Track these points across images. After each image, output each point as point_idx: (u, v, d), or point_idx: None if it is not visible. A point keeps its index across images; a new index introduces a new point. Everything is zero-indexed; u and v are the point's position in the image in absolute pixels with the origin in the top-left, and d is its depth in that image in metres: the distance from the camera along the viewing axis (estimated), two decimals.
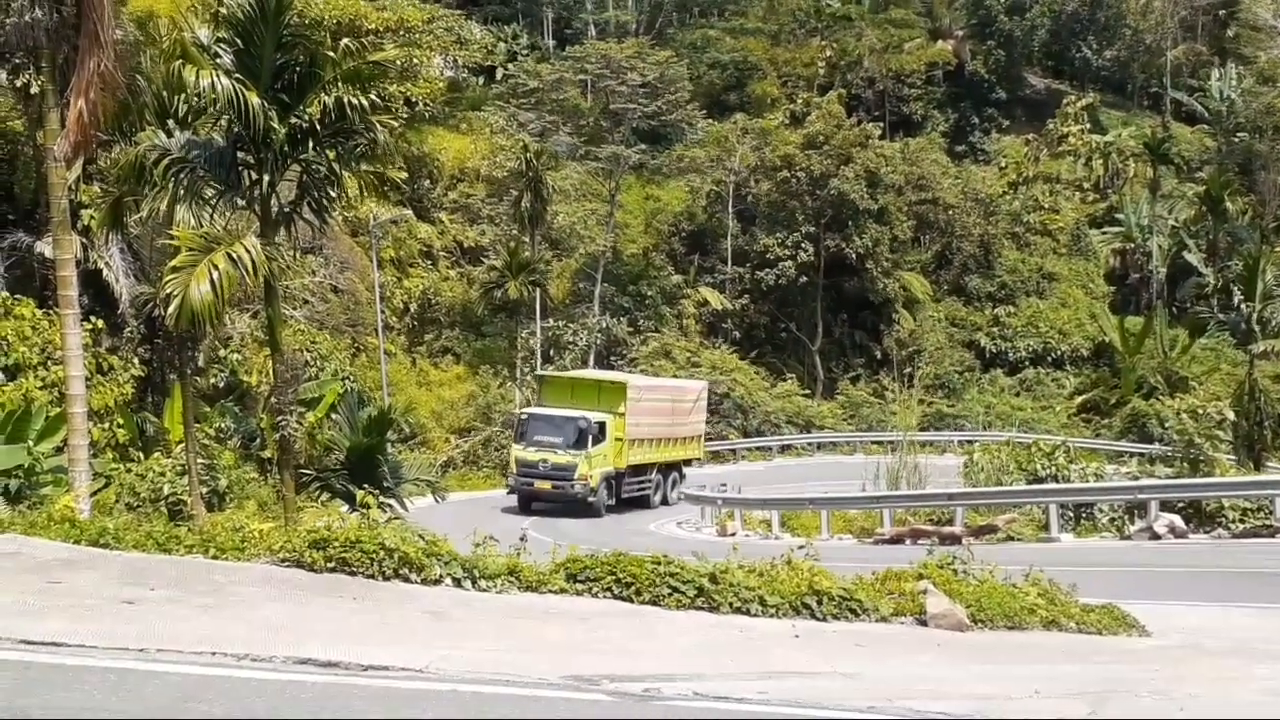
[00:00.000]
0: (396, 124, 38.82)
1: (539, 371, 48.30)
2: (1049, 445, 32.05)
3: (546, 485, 38.19)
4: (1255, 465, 38.42)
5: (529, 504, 38.00)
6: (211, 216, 20.48)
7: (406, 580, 10.58)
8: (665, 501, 42.19)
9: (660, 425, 42.33)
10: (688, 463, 45.06)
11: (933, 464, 36.65)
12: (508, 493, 39.69)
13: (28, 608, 8.43)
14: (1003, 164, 73.98)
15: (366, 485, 20.64)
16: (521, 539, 11.98)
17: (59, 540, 11.11)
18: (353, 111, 18.90)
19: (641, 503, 41.18)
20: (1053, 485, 29.02)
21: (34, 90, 21.14)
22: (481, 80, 70.53)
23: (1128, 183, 71.55)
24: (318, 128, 19.31)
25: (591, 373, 47.26)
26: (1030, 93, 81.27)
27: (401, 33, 54.87)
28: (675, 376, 52.93)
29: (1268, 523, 25.54)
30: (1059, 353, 63.39)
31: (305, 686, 6.95)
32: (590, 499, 38.33)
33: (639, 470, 41.22)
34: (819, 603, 11.37)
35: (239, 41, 18.90)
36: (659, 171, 66.05)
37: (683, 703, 7.40)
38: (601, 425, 38.85)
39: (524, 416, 40.74)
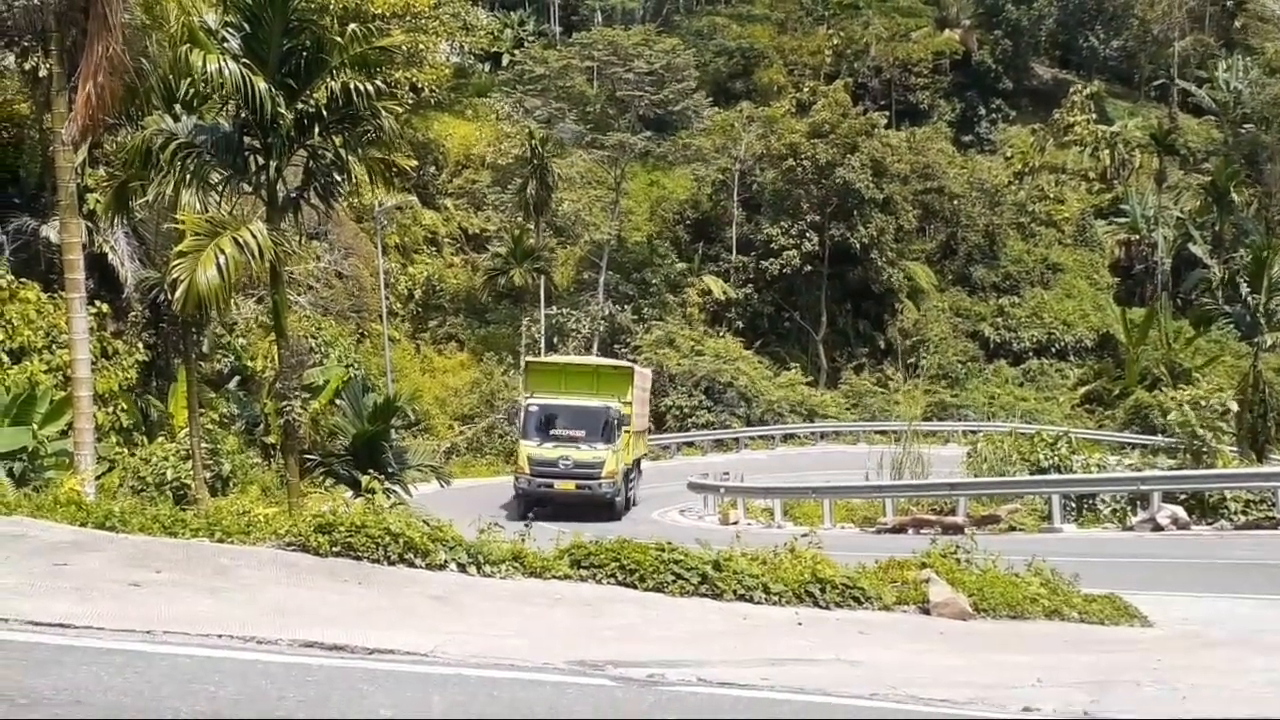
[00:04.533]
0: (401, 110, 38.74)
1: (526, 358, 44.72)
2: (1052, 436, 31.95)
3: (569, 486, 32.65)
4: (1258, 457, 38.35)
5: (530, 508, 30.59)
6: (218, 201, 20.49)
7: (411, 565, 10.62)
8: (631, 501, 36.47)
9: (642, 416, 38.73)
10: (641, 459, 40.15)
11: (936, 454, 36.69)
12: (516, 496, 33.82)
13: (35, 589, 8.47)
14: (1009, 154, 73.81)
15: (371, 471, 20.71)
16: (527, 525, 12.01)
17: (65, 523, 11.15)
18: (359, 97, 18.90)
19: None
20: (1055, 476, 29.00)
21: (42, 73, 21.17)
22: (488, 67, 70.57)
23: (1133, 173, 71.33)
24: (324, 113, 19.30)
25: (585, 358, 44.65)
26: (1037, 83, 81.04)
27: (408, 18, 54.88)
28: (679, 365, 52.70)
29: (1270, 514, 25.58)
30: (1063, 344, 63.45)
31: (311, 669, 6.98)
32: (616, 499, 33.14)
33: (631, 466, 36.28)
34: (822, 590, 11.41)
35: (246, 26, 18.89)
36: (664, 159, 65.81)
37: (686, 688, 7.43)
38: (622, 416, 33.72)
39: (533, 408, 34.20)
